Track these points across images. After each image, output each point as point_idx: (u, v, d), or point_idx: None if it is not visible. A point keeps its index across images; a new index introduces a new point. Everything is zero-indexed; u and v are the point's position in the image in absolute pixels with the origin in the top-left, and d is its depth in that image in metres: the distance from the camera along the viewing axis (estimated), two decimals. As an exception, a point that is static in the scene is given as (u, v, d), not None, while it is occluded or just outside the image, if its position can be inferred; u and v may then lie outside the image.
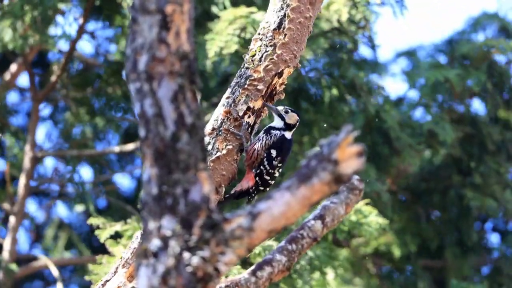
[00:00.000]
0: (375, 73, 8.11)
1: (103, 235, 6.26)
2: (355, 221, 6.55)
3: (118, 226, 6.27)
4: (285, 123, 4.71)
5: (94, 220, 6.31)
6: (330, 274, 6.62)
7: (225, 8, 7.68)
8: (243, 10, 7.28)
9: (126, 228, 6.27)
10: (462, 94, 8.36)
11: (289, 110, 4.72)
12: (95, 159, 8.92)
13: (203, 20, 7.83)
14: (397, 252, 8.28)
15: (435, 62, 8.42)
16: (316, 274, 6.55)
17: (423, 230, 8.74)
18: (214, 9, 7.76)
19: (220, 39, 7.16)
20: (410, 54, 8.90)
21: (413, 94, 8.58)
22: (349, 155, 3.01)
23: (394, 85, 10.18)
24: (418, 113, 8.39)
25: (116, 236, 6.29)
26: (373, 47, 7.71)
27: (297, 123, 4.73)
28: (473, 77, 8.17)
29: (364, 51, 8.22)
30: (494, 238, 9.42)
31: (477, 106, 8.56)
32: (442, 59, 8.54)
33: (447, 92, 8.33)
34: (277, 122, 4.72)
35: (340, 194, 4.06)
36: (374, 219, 6.57)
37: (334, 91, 7.74)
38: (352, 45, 7.61)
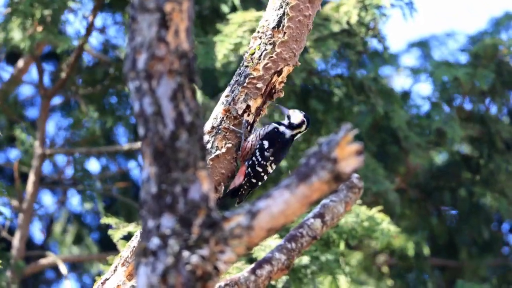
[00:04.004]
0: (387, 64, 8.11)
1: (116, 235, 6.23)
2: (368, 227, 6.53)
3: (131, 227, 6.24)
4: (289, 122, 4.69)
5: (107, 220, 6.29)
6: (342, 277, 6.61)
7: (234, 6, 7.70)
8: (252, 13, 7.30)
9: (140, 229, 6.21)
10: (471, 92, 8.36)
11: (297, 110, 4.71)
12: (105, 156, 8.93)
13: (212, 18, 7.85)
14: (408, 251, 8.28)
15: (446, 60, 8.40)
16: (328, 278, 6.53)
17: (433, 228, 8.74)
18: (223, 7, 7.78)
19: (230, 41, 7.19)
20: (422, 45, 8.87)
21: (424, 92, 8.58)
22: (348, 154, 3.00)
23: (402, 80, 10.15)
24: (428, 111, 8.39)
25: (129, 237, 6.23)
26: (384, 48, 7.72)
27: (304, 125, 4.69)
28: (482, 75, 8.16)
29: (374, 47, 8.21)
30: (511, 239, 9.41)
31: (487, 104, 8.55)
32: (463, 58, 8.51)
33: (457, 91, 8.33)
34: (284, 121, 4.71)
35: (339, 192, 4.06)
36: (386, 226, 6.56)
37: (343, 91, 7.76)
38: (362, 46, 7.61)
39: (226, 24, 7.37)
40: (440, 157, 8.97)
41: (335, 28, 7.43)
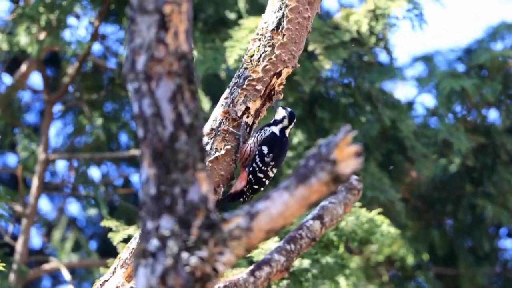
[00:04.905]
0: (392, 78, 8.11)
1: (116, 238, 6.22)
2: (368, 229, 6.53)
3: (131, 230, 6.23)
4: (274, 120, 4.72)
5: (107, 223, 6.28)
6: (342, 281, 6.60)
7: (239, 14, 7.72)
8: None
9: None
10: (478, 104, 8.36)
11: (281, 107, 4.74)
12: (107, 161, 8.92)
13: (218, 25, 7.87)
14: (409, 259, 8.28)
15: (451, 70, 8.39)
16: (328, 282, 6.53)
17: (435, 238, 8.73)
18: (229, 15, 7.81)
19: (240, 46, 7.22)
20: (426, 59, 8.85)
21: (428, 102, 8.57)
22: (347, 155, 3.01)
23: (406, 90, 10.17)
24: (433, 122, 8.38)
25: (129, 240, 6.21)
26: (391, 58, 7.73)
27: (285, 120, 4.71)
28: (488, 87, 8.15)
29: (381, 58, 8.22)
30: (508, 244, 9.39)
31: (492, 116, 8.55)
32: (460, 67, 8.51)
33: (462, 102, 8.33)
34: (271, 121, 4.75)
35: (338, 194, 4.06)
36: (386, 228, 6.56)
37: (350, 100, 7.78)
38: (370, 56, 7.63)
39: (237, 30, 7.39)
40: (443, 168, 8.95)
41: (345, 37, 7.44)
